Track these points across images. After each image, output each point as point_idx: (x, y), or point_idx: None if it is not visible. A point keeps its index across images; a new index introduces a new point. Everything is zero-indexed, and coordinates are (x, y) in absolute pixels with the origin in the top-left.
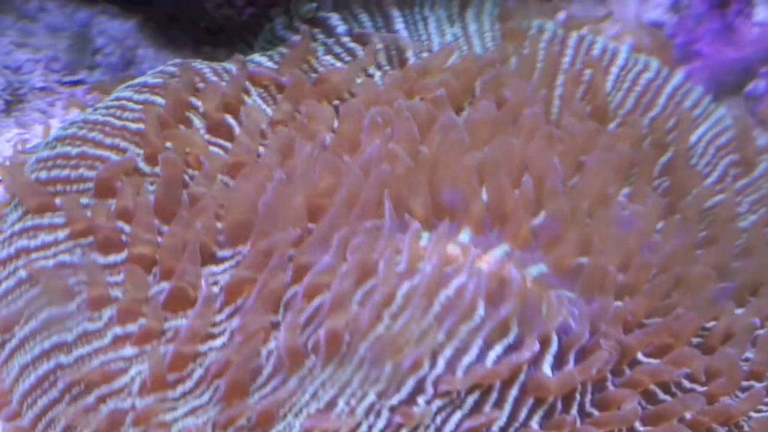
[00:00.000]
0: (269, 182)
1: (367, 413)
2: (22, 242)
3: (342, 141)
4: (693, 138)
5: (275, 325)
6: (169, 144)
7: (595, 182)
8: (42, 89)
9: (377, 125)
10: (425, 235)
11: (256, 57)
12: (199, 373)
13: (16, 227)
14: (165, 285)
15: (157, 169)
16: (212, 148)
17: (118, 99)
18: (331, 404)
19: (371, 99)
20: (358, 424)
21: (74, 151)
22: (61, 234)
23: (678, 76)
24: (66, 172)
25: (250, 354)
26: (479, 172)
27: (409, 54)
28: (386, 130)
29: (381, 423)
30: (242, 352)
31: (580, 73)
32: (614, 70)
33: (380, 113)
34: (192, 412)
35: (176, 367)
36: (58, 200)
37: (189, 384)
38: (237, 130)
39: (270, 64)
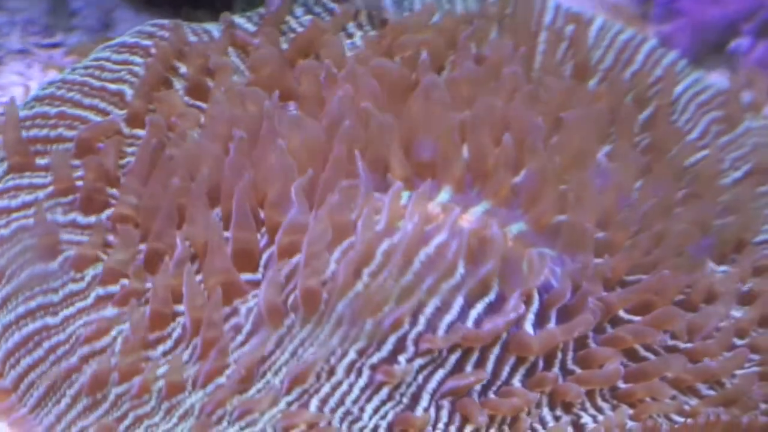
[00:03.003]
0: (230, 141)
1: (347, 371)
2: (3, 202)
3: (306, 101)
4: (674, 94)
5: (253, 284)
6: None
7: (574, 139)
8: (20, 52)
9: (334, 79)
10: (405, 194)
11: (236, 18)
12: (178, 332)
13: None
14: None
15: (137, 131)
16: (193, 111)
17: (96, 59)
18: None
19: (336, 61)
20: (339, 383)
21: (53, 111)
22: (41, 194)
23: (653, 40)
24: (45, 131)
25: (217, 310)
26: (460, 130)
27: (390, 15)
28: (346, 85)
29: (362, 381)
30: (211, 309)
31: (561, 30)
32: (593, 29)
33: (344, 71)
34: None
35: (155, 326)
36: (38, 160)
37: (169, 344)
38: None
39: (249, 25)
